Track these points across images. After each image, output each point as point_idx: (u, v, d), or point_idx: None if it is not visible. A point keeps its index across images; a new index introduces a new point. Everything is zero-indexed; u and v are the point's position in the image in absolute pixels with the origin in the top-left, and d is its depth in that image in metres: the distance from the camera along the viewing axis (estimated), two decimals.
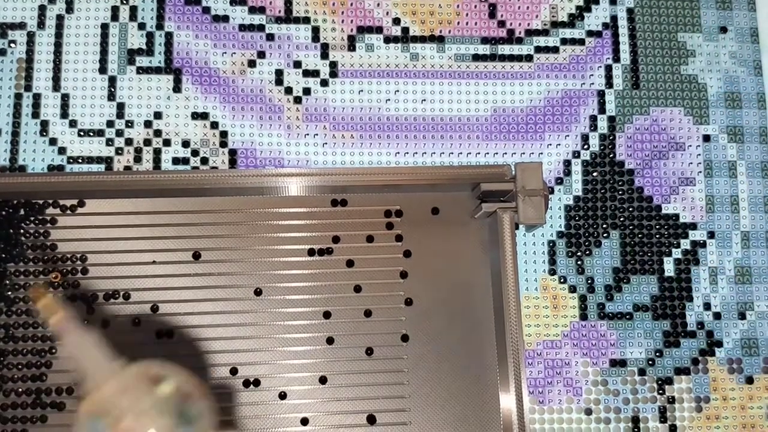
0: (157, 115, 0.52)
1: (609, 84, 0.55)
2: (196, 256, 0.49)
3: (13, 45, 0.52)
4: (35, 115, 0.52)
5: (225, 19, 0.54)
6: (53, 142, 0.52)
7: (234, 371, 0.48)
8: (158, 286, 0.49)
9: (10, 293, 0.48)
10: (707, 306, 0.52)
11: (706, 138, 0.55)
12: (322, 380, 0.48)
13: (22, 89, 0.52)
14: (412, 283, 0.50)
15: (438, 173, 0.48)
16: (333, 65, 0.54)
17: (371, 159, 0.53)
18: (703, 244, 0.53)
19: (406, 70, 0.54)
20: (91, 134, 0.52)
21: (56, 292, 0.48)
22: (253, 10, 0.54)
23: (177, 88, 0.53)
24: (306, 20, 0.54)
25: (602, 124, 0.54)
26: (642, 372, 0.51)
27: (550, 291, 0.52)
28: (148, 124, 0.52)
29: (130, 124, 0.52)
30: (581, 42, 0.55)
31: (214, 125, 0.52)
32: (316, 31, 0.54)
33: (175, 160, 0.52)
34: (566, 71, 0.55)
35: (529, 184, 0.47)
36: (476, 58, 0.55)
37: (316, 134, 0.53)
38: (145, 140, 0.52)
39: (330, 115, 0.53)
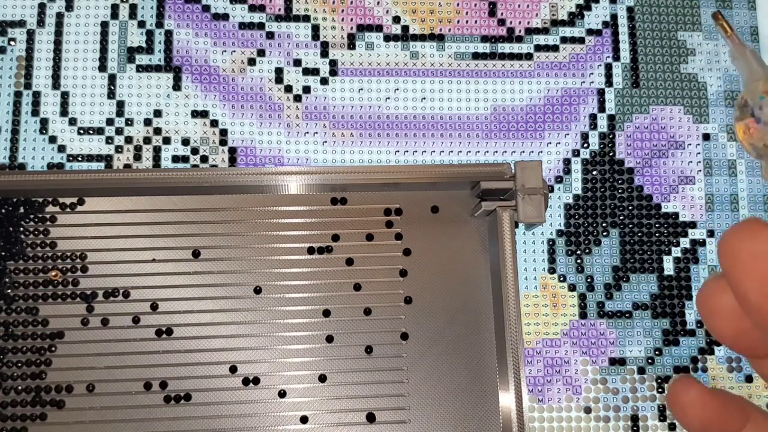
0: (157, 113, 0.52)
1: (609, 82, 0.55)
2: (196, 254, 0.49)
3: (12, 43, 0.52)
4: (35, 113, 0.52)
5: (225, 17, 0.54)
6: (53, 140, 0.51)
7: (233, 369, 0.48)
8: (158, 285, 0.49)
9: (9, 291, 0.48)
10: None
11: (706, 137, 0.55)
12: (322, 378, 0.48)
13: (21, 87, 0.52)
14: (411, 282, 0.50)
15: (438, 172, 0.48)
16: (333, 63, 0.54)
17: (371, 157, 0.53)
18: (703, 243, 0.53)
19: (406, 68, 0.54)
20: (91, 132, 0.52)
21: (56, 289, 0.48)
22: (253, 8, 0.54)
23: (177, 86, 0.53)
24: (306, 18, 0.54)
25: (602, 123, 0.54)
26: (641, 370, 0.51)
27: (549, 289, 0.52)
28: (147, 122, 0.52)
29: (129, 122, 0.52)
30: (581, 40, 0.55)
31: (214, 123, 0.52)
32: (316, 29, 0.54)
33: (175, 158, 0.52)
34: (566, 70, 0.55)
35: (529, 182, 0.47)
36: (476, 56, 0.55)
37: (316, 132, 0.53)
38: (144, 138, 0.52)
39: (330, 114, 0.53)
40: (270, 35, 0.54)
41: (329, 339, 0.49)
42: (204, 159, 0.52)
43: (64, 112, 0.52)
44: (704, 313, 0.21)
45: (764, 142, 0.25)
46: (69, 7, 0.53)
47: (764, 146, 0.25)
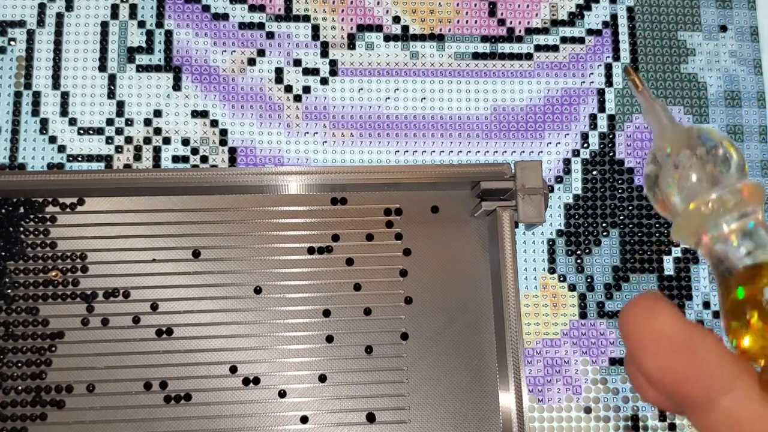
0: (157, 113, 0.52)
1: (609, 82, 0.55)
2: (196, 254, 0.49)
3: (12, 43, 0.52)
4: (35, 113, 0.52)
5: (225, 17, 0.54)
6: (53, 140, 0.51)
7: (233, 369, 0.48)
8: (158, 285, 0.49)
9: (9, 291, 0.48)
10: (707, 305, 0.52)
11: None
12: (322, 378, 0.48)
13: (21, 87, 0.52)
14: (411, 282, 0.50)
15: (438, 171, 0.48)
16: (333, 63, 0.54)
17: (371, 157, 0.53)
18: None
19: (406, 68, 0.54)
20: (91, 132, 0.52)
21: (56, 290, 0.48)
22: (253, 8, 0.54)
23: (177, 86, 0.53)
24: (306, 18, 0.54)
25: (602, 123, 0.54)
26: None
27: (549, 289, 0.52)
28: (147, 122, 0.52)
29: (129, 122, 0.52)
30: (581, 40, 0.55)
31: (214, 123, 0.52)
32: (315, 29, 0.54)
33: (175, 159, 0.52)
34: (566, 70, 0.55)
35: (529, 182, 0.47)
36: (476, 56, 0.55)
37: (316, 132, 0.53)
38: (144, 138, 0.52)
39: (330, 114, 0.53)
40: (270, 35, 0.54)
41: (329, 339, 0.49)
42: (204, 159, 0.52)
43: (64, 112, 0.52)
44: (630, 379, 0.22)
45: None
46: (69, 7, 0.53)
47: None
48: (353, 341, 0.49)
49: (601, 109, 0.55)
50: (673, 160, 0.23)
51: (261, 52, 0.53)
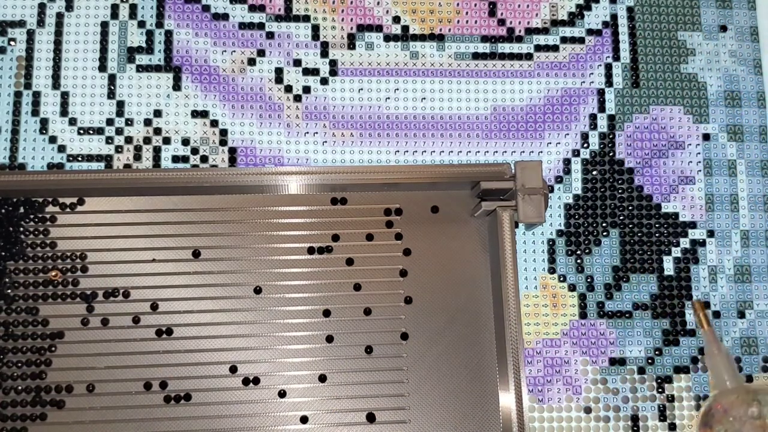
0: (157, 113, 0.52)
1: (609, 82, 0.55)
2: (196, 254, 0.49)
3: (12, 43, 0.52)
4: (35, 113, 0.52)
5: (225, 17, 0.54)
6: (53, 140, 0.51)
7: (233, 369, 0.48)
8: (158, 285, 0.49)
9: (9, 291, 0.48)
10: (707, 305, 0.52)
11: (706, 137, 0.55)
12: (322, 378, 0.48)
13: (21, 87, 0.52)
14: (411, 282, 0.50)
15: (438, 172, 0.48)
16: (333, 63, 0.54)
17: (371, 157, 0.53)
18: (703, 243, 0.53)
19: (406, 68, 0.54)
20: (91, 132, 0.52)
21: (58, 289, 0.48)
22: (253, 8, 0.54)
23: (177, 86, 0.53)
24: (306, 18, 0.54)
25: (602, 123, 0.54)
26: (641, 370, 0.51)
27: (549, 289, 0.52)
28: (147, 122, 0.52)
29: (129, 122, 0.52)
30: (581, 40, 0.55)
31: (214, 123, 0.52)
32: (316, 29, 0.54)
33: (175, 159, 0.52)
34: (566, 70, 0.55)
35: (529, 182, 0.47)
36: (476, 56, 0.55)
37: (316, 132, 0.53)
38: (144, 138, 0.52)
39: (330, 114, 0.53)
40: (270, 35, 0.54)
41: (329, 339, 0.49)
42: (204, 159, 0.52)
43: (64, 112, 0.52)
44: None
45: None
46: (69, 7, 0.53)
47: None
48: (353, 341, 0.49)
49: (601, 109, 0.55)
50: (731, 413, 0.24)
51: (261, 52, 0.53)
